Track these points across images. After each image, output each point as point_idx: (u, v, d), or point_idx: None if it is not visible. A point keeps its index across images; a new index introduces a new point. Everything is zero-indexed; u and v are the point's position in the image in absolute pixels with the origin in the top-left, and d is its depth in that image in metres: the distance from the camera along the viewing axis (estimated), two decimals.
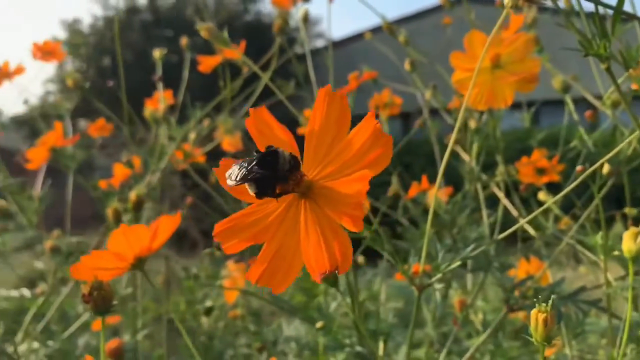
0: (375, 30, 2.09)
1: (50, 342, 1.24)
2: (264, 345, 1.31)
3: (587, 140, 1.10)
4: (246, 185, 0.46)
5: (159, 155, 1.41)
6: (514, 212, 1.16)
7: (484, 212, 1.32)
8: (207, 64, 1.46)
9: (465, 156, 1.32)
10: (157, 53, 1.54)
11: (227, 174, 0.47)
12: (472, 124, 1.25)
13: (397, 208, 1.60)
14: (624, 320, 0.77)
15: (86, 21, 10.40)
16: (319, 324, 0.82)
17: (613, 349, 0.89)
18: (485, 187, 1.35)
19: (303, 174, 0.46)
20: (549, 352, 1.07)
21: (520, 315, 1.29)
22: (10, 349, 0.78)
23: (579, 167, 0.86)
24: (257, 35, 7.53)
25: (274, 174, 0.45)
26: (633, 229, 0.59)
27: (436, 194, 1.31)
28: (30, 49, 1.65)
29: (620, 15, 0.52)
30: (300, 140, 0.49)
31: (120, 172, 1.50)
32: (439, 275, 0.69)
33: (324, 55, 1.51)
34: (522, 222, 0.70)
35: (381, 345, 1.07)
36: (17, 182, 1.42)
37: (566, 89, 1.14)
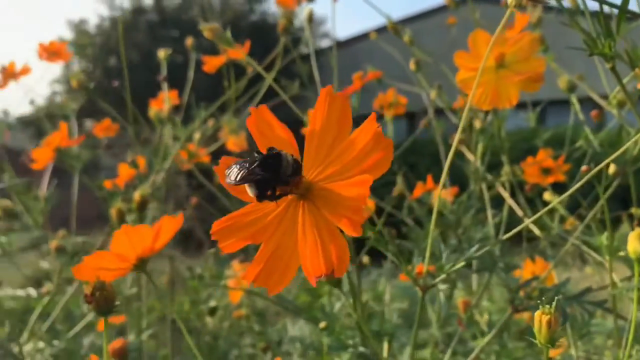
0: (381, 30, 2.09)
1: (55, 342, 1.24)
2: (268, 345, 1.31)
3: (593, 140, 1.09)
4: (246, 186, 0.46)
5: (163, 156, 1.41)
6: (519, 212, 1.15)
7: (489, 213, 1.32)
8: (211, 64, 1.46)
9: (470, 156, 1.31)
10: (162, 53, 1.54)
11: (226, 173, 0.47)
12: (477, 124, 1.24)
13: (402, 208, 1.59)
14: (630, 321, 0.77)
15: (92, 22, 10.46)
16: (321, 325, 0.82)
17: (619, 350, 0.88)
18: (490, 187, 1.35)
19: (302, 176, 0.46)
20: (554, 352, 1.07)
21: (526, 315, 1.29)
22: (15, 349, 0.78)
23: (583, 167, 0.85)
24: (263, 35, 7.54)
25: (275, 177, 0.45)
26: (638, 230, 0.59)
27: (441, 194, 1.31)
28: (36, 50, 1.66)
29: (625, 14, 0.51)
30: (303, 140, 0.49)
31: (125, 172, 1.50)
32: (442, 276, 0.69)
33: (329, 55, 1.51)
34: (527, 222, 0.70)
35: (385, 345, 1.06)
36: (23, 182, 1.42)
37: (572, 88, 1.13)
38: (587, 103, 1.31)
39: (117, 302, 0.58)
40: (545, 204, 1.25)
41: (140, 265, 0.60)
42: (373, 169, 0.44)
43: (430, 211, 1.35)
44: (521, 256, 1.36)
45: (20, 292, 1.46)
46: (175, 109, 1.62)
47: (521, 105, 1.59)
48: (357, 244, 1.01)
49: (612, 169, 0.89)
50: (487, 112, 1.19)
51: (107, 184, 1.45)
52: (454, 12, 1.80)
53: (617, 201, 1.19)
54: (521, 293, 0.86)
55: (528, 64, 0.76)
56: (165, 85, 1.53)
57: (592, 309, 0.82)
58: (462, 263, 0.68)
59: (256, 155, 0.46)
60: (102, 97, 1.41)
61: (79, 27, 9.87)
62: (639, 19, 0.55)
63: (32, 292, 1.44)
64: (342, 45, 9.53)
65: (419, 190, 1.53)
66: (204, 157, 1.64)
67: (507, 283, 0.91)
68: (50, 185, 1.56)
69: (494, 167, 1.37)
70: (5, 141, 1.96)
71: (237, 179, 0.45)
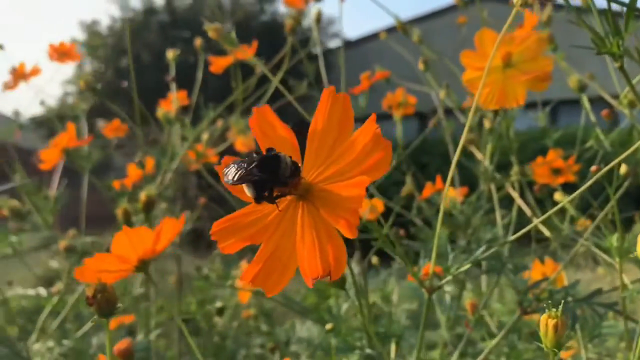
0: (391, 30, 2.08)
1: (65, 341, 1.25)
2: (276, 346, 1.31)
3: (604, 139, 1.08)
4: (244, 186, 0.46)
5: (170, 156, 1.41)
6: (528, 212, 1.14)
7: (498, 213, 1.31)
8: (218, 64, 1.46)
9: (479, 156, 1.30)
10: (171, 54, 1.54)
11: (224, 172, 0.47)
12: (487, 124, 1.23)
13: (411, 208, 1.59)
14: None
15: (104, 23, 10.52)
16: (328, 326, 0.82)
17: (629, 353, 0.87)
18: (500, 187, 1.34)
19: (301, 177, 0.46)
20: (565, 354, 1.06)
21: (537, 317, 1.27)
22: (24, 351, 0.79)
23: (593, 167, 0.84)
24: (273, 36, 7.55)
25: (273, 178, 0.44)
26: None
27: (450, 195, 1.30)
28: (46, 51, 1.67)
29: (634, 12, 0.50)
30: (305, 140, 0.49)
31: (134, 172, 1.51)
32: (449, 278, 0.68)
33: (339, 55, 1.51)
34: (536, 222, 0.69)
35: (393, 347, 1.06)
36: (33, 182, 1.43)
37: (582, 88, 1.12)
38: (599, 102, 1.30)
39: (120, 304, 0.58)
40: (556, 204, 1.24)
41: (142, 266, 0.60)
42: (372, 170, 0.43)
43: (439, 211, 1.34)
44: (531, 257, 1.34)
45: (30, 292, 1.48)
46: (185, 109, 1.62)
47: (532, 105, 1.58)
48: (366, 245, 1.01)
49: (623, 169, 0.87)
50: (496, 112, 1.18)
51: (116, 184, 1.46)
52: (465, 11, 1.79)
53: (629, 202, 1.18)
54: (530, 295, 0.85)
55: (535, 63, 0.75)
56: (173, 86, 1.54)
57: (603, 311, 0.81)
58: (469, 265, 0.67)
59: (255, 155, 0.46)
60: (114, 97, 1.42)
61: (91, 28, 9.94)
62: None
63: (42, 291, 1.45)
64: (352, 45, 9.52)
65: (428, 190, 1.52)
66: (213, 157, 1.64)
67: (515, 284, 0.90)
68: (61, 185, 1.57)
69: (504, 167, 1.36)
70: (16, 141, 1.97)
71: (235, 178, 0.45)
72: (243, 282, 0.47)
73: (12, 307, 1.54)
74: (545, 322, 0.50)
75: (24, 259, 1.49)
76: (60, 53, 1.64)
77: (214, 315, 1.44)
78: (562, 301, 0.51)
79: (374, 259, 1.82)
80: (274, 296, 1.03)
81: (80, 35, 9.95)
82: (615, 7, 0.52)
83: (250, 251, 0.54)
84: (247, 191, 0.47)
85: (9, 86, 1.57)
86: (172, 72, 1.54)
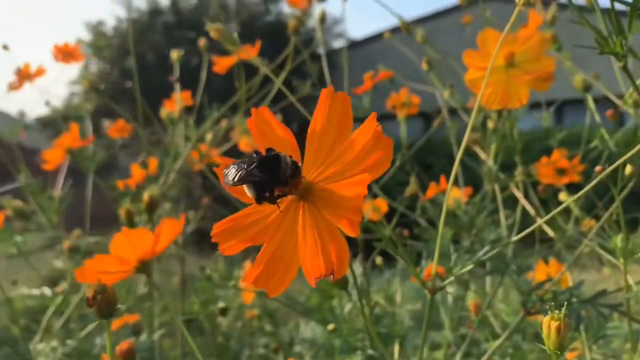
0: (396, 30, 2.08)
1: (69, 341, 1.25)
2: (280, 346, 1.31)
3: (609, 140, 1.07)
4: (244, 187, 0.46)
5: (174, 156, 1.41)
6: (532, 212, 1.14)
7: (502, 214, 1.30)
8: (221, 64, 1.46)
9: (483, 156, 1.30)
10: (175, 54, 1.55)
11: (224, 173, 0.47)
12: (490, 124, 1.23)
13: (415, 209, 1.58)
14: None
15: (110, 23, 10.55)
16: (330, 326, 0.82)
17: (634, 354, 0.86)
18: (504, 188, 1.33)
19: (302, 177, 0.46)
20: (570, 355, 1.05)
21: (541, 318, 1.27)
22: (27, 352, 0.79)
23: (597, 168, 0.83)
24: (278, 36, 7.55)
25: (273, 179, 0.44)
26: None
27: (454, 195, 1.30)
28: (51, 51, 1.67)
29: (638, 11, 0.50)
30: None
31: (138, 173, 1.51)
32: (451, 279, 0.68)
33: (344, 55, 1.50)
34: (540, 222, 0.69)
35: (396, 348, 1.06)
36: (37, 182, 1.44)
37: (587, 87, 1.11)
38: (604, 102, 1.29)
39: (124, 304, 0.58)
40: (560, 205, 1.23)
41: (142, 268, 0.59)
42: (373, 168, 0.43)
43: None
44: (535, 258, 1.34)
45: (35, 292, 1.48)
46: (189, 109, 1.62)
47: (537, 105, 1.57)
48: (369, 245, 1.01)
49: (628, 169, 0.87)
50: (500, 112, 1.17)
51: (120, 185, 1.46)
52: (471, 11, 1.78)
53: (635, 202, 1.17)
54: (534, 295, 0.84)
55: (538, 63, 0.75)
56: (177, 86, 1.54)
57: (607, 312, 0.80)
58: (471, 265, 0.67)
59: (255, 155, 0.46)
60: (120, 98, 1.42)
61: (97, 29, 9.98)
62: None
63: (47, 291, 1.45)
64: (357, 45, 9.51)
65: (432, 190, 1.51)
66: (216, 157, 1.64)
67: (519, 285, 0.89)
68: (65, 185, 1.57)
69: (509, 167, 1.36)
70: (22, 141, 1.98)
71: (235, 179, 0.45)
72: (246, 284, 0.47)
73: (18, 307, 1.54)
74: (548, 324, 0.50)
75: (29, 259, 1.49)
76: (64, 54, 1.65)
77: (218, 316, 1.44)
78: (566, 302, 0.50)
79: (378, 259, 1.82)
80: (278, 296, 1.03)
81: (86, 36, 10.01)
82: (618, 6, 0.52)
83: (254, 251, 0.54)
84: (247, 192, 0.46)
85: (14, 87, 1.58)
86: (176, 72, 1.54)
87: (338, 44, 9.83)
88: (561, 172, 1.23)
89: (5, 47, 1.61)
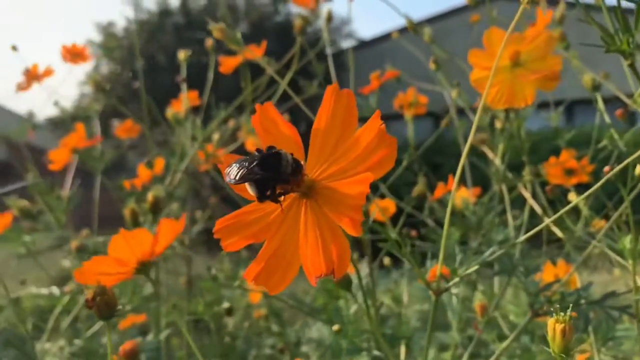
0: (405, 30, 2.07)
1: (76, 340, 1.25)
2: (285, 347, 1.31)
3: (618, 139, 1.06)
4: (246, 185, 0.46)
5: (180, 156, 1.41)
6: (539, 211, 1.13)
7: (509, 215, 1.29)
8: (227, 64, 1.46)
9: (491, 156, 1.29)
10: (182, 54, 1.55)
11: (226, 172, 0.47)
12: (498, 124, 1.22)
13: (423, 209, 1.57)
14: None
15: (120, 24, 10.61)
16: (335, 327, 0.81)
17: None
18: (513, 188, 1.32)
19: (304, 175, 0.45)
20: (580, 357, 1.04)
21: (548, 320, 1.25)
22: (31, 347, 0.79)
23: (606, 168, 0.82)
24: (288, 36, 7.55)
25: (275, 176, 0.44)
26: None
27: (459, 195, 1.29)
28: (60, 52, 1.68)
29: None
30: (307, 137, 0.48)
31: (144, 173, 1.51)
32: (456, 280, 0.67)
33: (353, 54, 1.50)
34: (547, 221, 0.68)
35: (403, 349, 1.05)
36: (45, 182, 1.44)
37: (596, 87, 1.10)
38: (615, 102, 1.28)
39: (130, 304, 0.58)
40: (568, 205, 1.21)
41: (142, 269, 0.59)
42: (377, 167, 0.43)
43: (450, 212, 1.32)
44: (543, 259, 1.33)
45: (44, 291, 1.49)
46: (196, 109, 1.63)
47: (546, 105, 1.56)
48: (377, 245, 1.00)
49: (638, 169, 0.86)
50: (507, 112, 1.16)
51: (127, 185, 1.47)
52: (479, 10, 1.76)
53: None
54: (542, 297, 0.83)
55: (545, 62, 0.74)
56: (184, 87, 1.54)
57: (617, 314, 0.79)
58: (476, 266, 0.66)
59: (256, 153, 0.46)
60: (130, 98, 1.43)
61: (107, 30, 10.03)
62: None
63: (55, 291, 1.46)
64: (366, 45, 9.50)
65: (440, 190, 1.51)
66: (222, 157, 1.63)
67: (527, 286, 0.89)
68: (74, 185, 1.58)
69: (517, 167, 1.34)
70: (31, 140, 1.99)
71: (237, 177, 0.45)
72: (245, 280, 0.47)
73: (28, 307, 1.55)
74: (553, 327, 0.49)
75: (37, 259, 1.50)
76: (73, 54, 1.66)
77: (224, 316, 1.44)
78: (571, 304, 0.49)
79: (386, 260, 1.81)
80: (283, 297, 1.03)
81: (97, 37, 10.06)
82: (625, 4, 0.51)
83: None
84: (249, 190, 0.46)
85: (22, 87, 1.59)
86: (183, 72, 1.54)
87: (347, 44, 9.82)
88: (570, 172, 1.21)
89: (14, 48, 1.62)
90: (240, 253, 1.77)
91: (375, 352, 0.80)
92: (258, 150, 0.46)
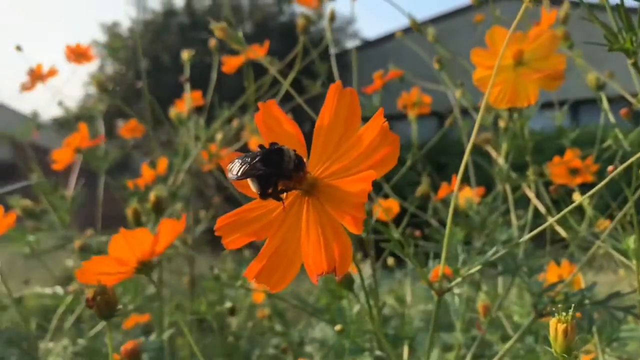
0: (410, 30, 2.07)
1: (79, 340, 1.26)
2: (289, 347, 1.31)
3: (623, 139, 1.05)
4: (248, 181, 0.46)
5: (183, 156, 1.41)
6: (543, 211, 1.12)
7: (513, 214, 1.29)
8: (230, 64, 1.46)
9: (494, 155, 1.28)
10: (186, 54, 1.55)
11: (228, 168, 0.47)
12: (502, 124, 1.21)
13: (427, 209, 1.57)
14: None
15: (125, 25, 10.63)
16: (337, 327, 0.81)
17: None
18: (517, 188, 1.32)
19: (307, 172, 0.45)
20: (585, 358, 1.03)
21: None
22: (34, 352, 0.79)
23: (610, 168, 0.82)
24: (292, 36, 7.55)
25: (277, 172, 0.44)
26: None
27: (465, 196, 1.28)
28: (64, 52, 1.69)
29: None
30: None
31: (148, 172, 1.52)
32: (458, 280, 0.67)
33: (357, 54, 1.50)
34: (550, 221, 0.67)
35: (405, 349, 1.05)
36: (50, 182, 1.44)
37: (600, 86, 1.09)
38: (620, 101, 1.27)
39: (132, 304, 0.58)
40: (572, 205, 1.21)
41: (142, 268, 0.59)
42: (379, 165, 0.42)
43: (454, 212, 1.32)
44: (547, 259, 1.32)
45: (47, 291, 1.49)
46: (200, 109, 1.63)
47: (550, 104, 1.55)
48: (380, 245, 1.00)
49: None
50: (511, 111, 1.16)
51: (130, 184, 1.47)
52: (483, 10, 1.76)
53: None
54: (545, 297, 0.83)
55: (548, 61, 0.73)
56: (187, 87, 1.54)
57: (620, 315, 0.79)
58: (478, 267, 0.66)
59: (259, 150, 0.46)
60: (136, 99, 1.43)
61: (112, 30, 10.05)
62: None
63: (59, 290, 1.46)
64: (371, 45, 9.49)
65: (444, 190, 1.50)
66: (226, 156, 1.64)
67: (530, 287, 0.88)
68: (78, 184, 1.58)
69: (521, 167, 1.34)
70: (36, 140, 2.00)
71: (239, 173, 0.45)
72: (247, 278, 0.47)
73: (31, 306, 1.55)
74: (555, 327, 0.49)
75: (42, 259, 1.50)
76: (77, 54, 1.66)
77: (227, 316, 1.44)
78: (573, 305, 0.49)
79: (390, 260, 1.81)
80: (286, 297, 1.02)
81: (102, 37, 10.09)
82: (629, 3, 0.51)
83: None
84: (252, 186, 0.46)
85: (26, 87, 1.60)
86: (187, 72, 1.54)
87: (351, 44, 9.81)
88: (574, 172, 1.21)
89: (18, 48, 1.62)
90: (243, 252, 1.77)
91: (378, 353, 0.80)
92: (261, 146, 0.46)
